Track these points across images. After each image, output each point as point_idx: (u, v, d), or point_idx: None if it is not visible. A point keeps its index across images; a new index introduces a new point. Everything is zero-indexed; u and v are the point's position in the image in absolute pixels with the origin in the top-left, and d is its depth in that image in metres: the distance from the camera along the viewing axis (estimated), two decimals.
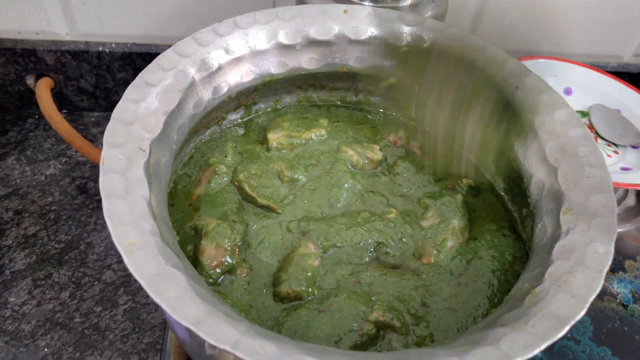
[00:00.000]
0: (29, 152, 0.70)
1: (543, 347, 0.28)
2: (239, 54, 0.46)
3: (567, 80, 0.73)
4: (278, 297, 0.40)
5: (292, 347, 0.28)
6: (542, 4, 0.74)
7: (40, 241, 0.60)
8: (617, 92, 0.72)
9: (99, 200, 0.63)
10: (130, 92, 0.39)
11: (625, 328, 0.55)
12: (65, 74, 0.72)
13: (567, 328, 0.29)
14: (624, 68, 0.83)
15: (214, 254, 0.40)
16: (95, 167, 0.68)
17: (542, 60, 0.71)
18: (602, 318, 0.56)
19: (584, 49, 0.81)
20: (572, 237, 0.35)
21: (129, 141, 0.36)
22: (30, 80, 0.71)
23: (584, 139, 0.41)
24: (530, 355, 0.28)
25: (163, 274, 0.30)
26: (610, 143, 0.69)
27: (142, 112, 0.39)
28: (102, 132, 0.67)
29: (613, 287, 0.58)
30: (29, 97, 0.73)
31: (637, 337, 0.54)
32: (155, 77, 0.41)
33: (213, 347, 0.30)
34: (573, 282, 0.32)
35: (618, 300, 0.57)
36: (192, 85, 0.43)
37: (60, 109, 0.73)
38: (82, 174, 0.68)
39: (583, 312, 0.30)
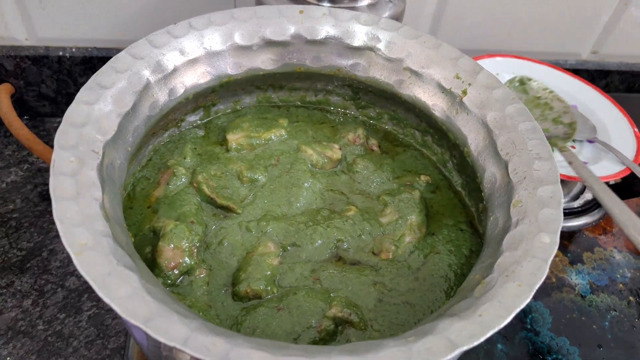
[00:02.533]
0: None
1: (489, 335, 0.29)
2: (195, 55, 0.46)
3: None
4: (237, 297, 0.40)
5: (243, 342, 0.28)
6: (502, 3, 0.76)
7: (2, 249, 0.59)
8: (574, 88, 0.73)
9: None
10: (82, 94, 0.39)
11: (583, 318, 0.56)
12: (26, 80, 0.71)
13: (512, 315, 0.30)
14: (582, 65, 0.85)
15: (171, 255, 0.40)
16: None
17: (500, 58, 0.73)
18: (561, 309, 0.57)
19: (544, 47, 0.83)
20: (520, 228, 0.36)
21: (81, 143, 0.36)
22: None
23: (533, 132, 0.42)
24: (476, 343, 0.28)
25: (114, 273, 0.30)
26: None
27: (95, 115, 0.39)
28: None
29: (571, 279, 0.60)
30: None
31: (594, 326, 0.56)
32: (109, 80, 0.41)
33: (168, 348, 0.30)
34: (520, 272, 0.33)
35: (576, 292, 0.59)
36: (147, 87, 0.43)
37: (21, 115, 0.72)
38: (44, 180, 0.67)
39: (528, 300, 0.31)
